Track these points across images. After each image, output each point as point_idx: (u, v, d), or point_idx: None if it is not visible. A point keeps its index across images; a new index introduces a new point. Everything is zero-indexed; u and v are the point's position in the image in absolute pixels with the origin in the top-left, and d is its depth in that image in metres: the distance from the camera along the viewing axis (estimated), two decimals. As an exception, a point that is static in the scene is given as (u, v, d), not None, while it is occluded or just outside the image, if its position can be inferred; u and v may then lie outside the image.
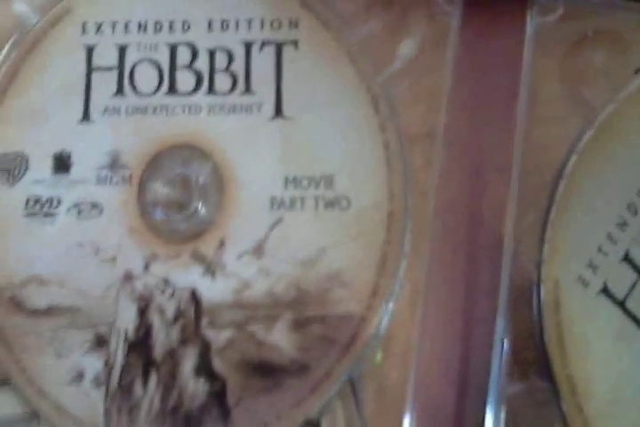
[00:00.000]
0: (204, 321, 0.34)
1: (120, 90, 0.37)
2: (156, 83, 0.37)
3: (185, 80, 0.37)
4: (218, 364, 0.34)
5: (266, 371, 0.33)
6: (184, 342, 0.34)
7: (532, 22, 0.36)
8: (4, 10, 0.39)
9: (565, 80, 0.36)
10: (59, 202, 0.36)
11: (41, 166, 0.36)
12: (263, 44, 0.37)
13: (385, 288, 0.33)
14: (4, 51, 0.38)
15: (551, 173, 0.34)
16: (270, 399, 0.33)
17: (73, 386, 0.34)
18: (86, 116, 0.37)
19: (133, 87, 0.37)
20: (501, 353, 0.32)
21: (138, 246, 0.35)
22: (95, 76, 0.37)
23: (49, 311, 0.35)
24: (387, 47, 0.37)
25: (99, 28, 0.38)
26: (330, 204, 0.35)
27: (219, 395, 0.33)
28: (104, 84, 0.37)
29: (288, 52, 0.37)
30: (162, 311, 0.34)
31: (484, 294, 0.34)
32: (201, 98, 0.36)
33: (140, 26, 0.38)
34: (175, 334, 0.34)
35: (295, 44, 0.37)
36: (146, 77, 0.37)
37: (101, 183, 0.36)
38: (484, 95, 0.36)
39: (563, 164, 0.34)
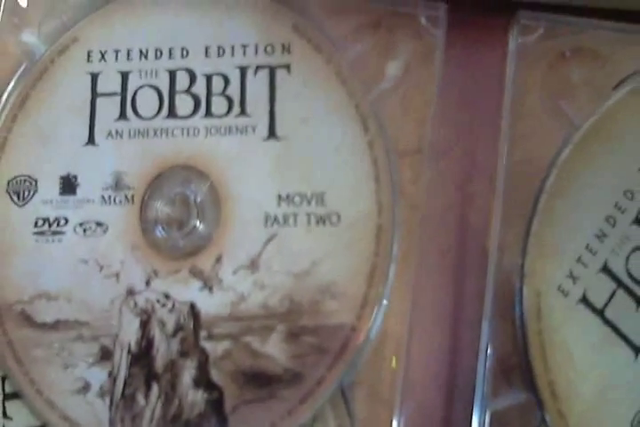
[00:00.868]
0: (203, 334, 0.35)
1: (123, 114, 0.38)
2: (156, 107, 0.38)
3: (184, 104, 0.38)
4: (215, 374, 0.35)
5: (261, 380, 0.34)
6: (184, 353, 0.35)
7: (513, 42, 0.37)
8: (13, 40, 0.40)
9: (546, 96, 0.36)
10: (66, 221, 0.37)
11: (49, 188, 0.38)
12: (257, 69, 0.38)
13: (374, 298, 0.34)
14: (14, 79, 0.39)
15: (534, 187, 0.35)
16: (265, 408, 0.34)
17: (79, 397, 0.35)
18: (91, 139, 0.38)
19: (135, 111, 0.38)
20: (486, 358, 0.33)
21: (140, 263, 0.36)
22: (100, 102, 0.39)
23: (56, 325, 0.36)
24: (375, 67, 0.38)
25: (103, 55, 0.39)
26: (321, 219, 0.36)
27: (216, 404, 0.34)
28: (108, 109, 0.39)
29: (281, 76, 0.38)
30: (163, 324, 0.35)
31: (470, 300, 0.35)
32: (199, 120, 0.38)
33: (141, 53, 0.39)
34: (175, 346, 0.35)
35: (288, 67, 0.38)
36: (147, 102, 0.38)
37: (106, 203, 0.37)
38: (469, 111, 0.37)
39: (544, 177, 0.35)
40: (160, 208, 0.37)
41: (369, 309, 0.34)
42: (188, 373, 0.35)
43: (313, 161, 0.37)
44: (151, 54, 0.39)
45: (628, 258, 0.34)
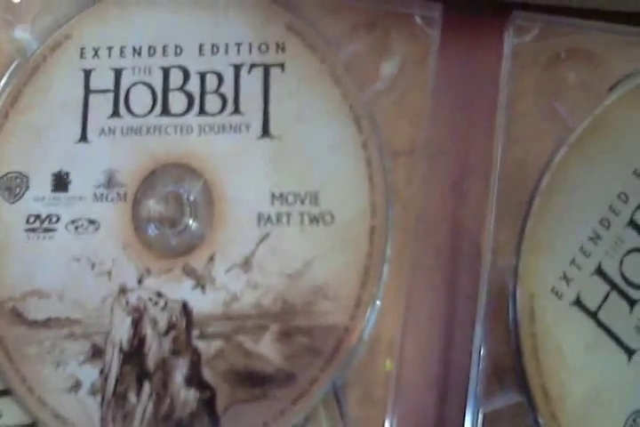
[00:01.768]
0: (195, 332, 0.35)
1: (116, 111, 0.38)
2: (149, 104, 0.38)
3: (177, 101, 0.38)
4: (207, 373, 0.34)
5: (253, 380, 0.34)
6: (175, 352, 0.35)
7: (508, 42, 0.36)
8: (5, 36, 0.39)
9: (541, 97, 0.36)
10: (58, 219, 0.37)
11: (41, 185, 0.37)
12: (251, 67, 0.37)
13: (368, 299, 0.34)
14: (6, 75, 0.39)
15: (528, 188, 0.35)
16: (258, 407, 0.33)
17: (70, 395, 0.35)
18: (84, 136, 0.37)
19: (128, 109, 0.38)
20: (479, 359, 0.33)
21: (132, 261, 0.36)
22: (92, 99, 0.38)
23: (48, 323, 0.35)
24: (370, 67, 0.37)
25: (96, 52, 0.38)
26: (314, 219, 0.35)
27: (208, 403, 0.34)
28: (101, 106, 0.38)
29: (275, 74, 0.37)
30: (155, 323, 0.35)
31: (464, 300, 0.34)
32: (192, 118, 0.37)
33: (134, 50, 0.38)
34: (167, 344, 0.35)
35: (282, 66, 0.37)
36: (140, 99, 0.38)
37: (98, 201, 0.37)
38: (463, 111, 0.37)
39: (538, 178, 0.34)
40: (153, 206, 0.37)
41: (362, 309, 0.34)
42: (179, 371, 0.34)
43: (307, 160, 0.36)
44: (144, 51, 0.38)
45: (621, 260, 0.34)
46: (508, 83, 0.36)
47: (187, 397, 0.34)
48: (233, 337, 0.34)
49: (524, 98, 0.36)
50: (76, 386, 0.35)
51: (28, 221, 0.37)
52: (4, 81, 0.39)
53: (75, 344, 0.35)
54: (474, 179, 0.36)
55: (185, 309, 0.35)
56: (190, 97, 0.38)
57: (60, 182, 0.37)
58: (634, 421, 0.32)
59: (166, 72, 0.38)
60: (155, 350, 0.35)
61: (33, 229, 0.37)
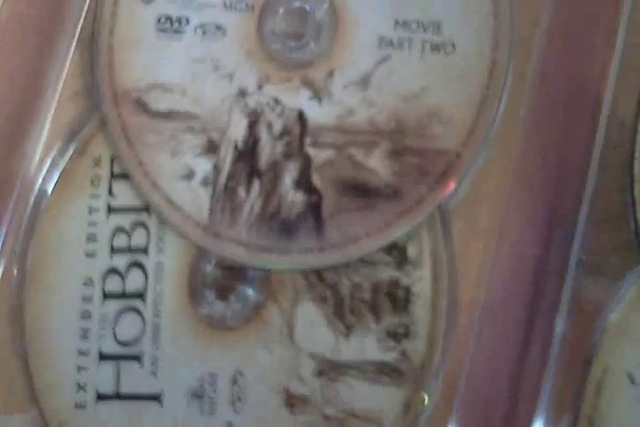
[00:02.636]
0: (308, 140, 0.36)
1: None
2: None
3: None
4: (317, 179, 0.35)
5: (360, 191, 0.35)
6: (287, 156, 0.36)
7: None
8: None
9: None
10: (187, 21, 0.37)
11: (174, -12, 0.38)
12: None
13: (481, 129, 0.35)
14: None
15: None
16: (362, 217, 0.35)
17: (184, 183, 0.36)
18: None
19: None
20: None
21: (253, 67, 0.37)
22: None
23: (169, 115, 0.37)
24: None
25: None
26: (435, 47, 0.36)
27: (315, 207, 0.35)
28: None
29: None
30: (270, 126, 0.36)
31: (578, 151, 0.35)
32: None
33: None
34: (280, 148, 0.36)
35: None
36: None
37: (227, 9, 0.37)
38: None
39: None
40: (279, 20, 0.37)
41: (475, 137, 0.35)
42: (289, 174, 0.36)
43: (434, -9, 0.36)
44: None
45: None
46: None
47: (294, 198, 0.36)
48: (344, 148, 0.36)
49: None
50: (190, 175, 0.36)
51: (159, 21, 0.38)
52: None
53: (192, 137, 0.36)
54: (600, 29, 0.36)
55: (300, 117, 0.36)
56: None
57: (193, -13, 0.38)
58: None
59: None
60: (268, 151, 0.36)
61: (163, 29, 0.38)
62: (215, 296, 0.36)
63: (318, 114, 0.36)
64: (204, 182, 0.36)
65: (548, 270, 0.34)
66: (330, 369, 0.35)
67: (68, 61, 0.39)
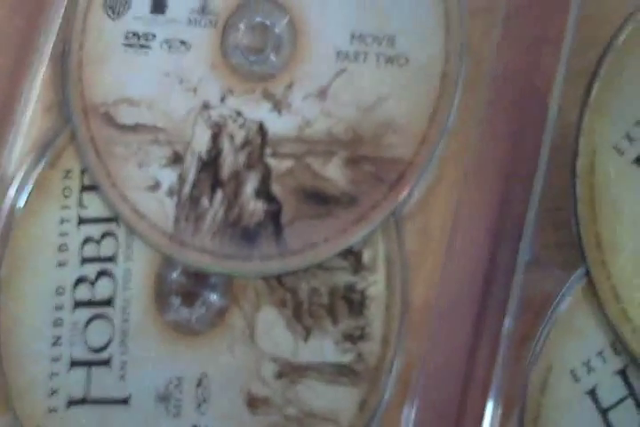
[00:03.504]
0: (268, 151, 0.37)
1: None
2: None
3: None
4: (276, 188, 0.36)
5: (318, 199, 0.36)
6: (249, 166, 0.37)
7: None
8: None
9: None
10: (153, 37, 0.38)
11: (141, 6, 0.39)
12: None
13: (433, 138, 0.36)
14: None
15: (602, 46, 0.35)
16: (320, 224, 0.36)
17: (150, 194, 0.37)
18: (183, -37, 0.39)
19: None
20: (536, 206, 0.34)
21: (217, 81, 0.38)
22: None
23: (136, 128, 0.38)
24: None
25: None
26: (389, 60, 0.37)
27: (274, 215, 0.36)
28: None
29: None
30: (232, 138, 0.37)
31: (527, 154, 0.36)
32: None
33: None
34: (241, 158, 0.37)
35: None
36: None
37: (191, 25, 0.38)
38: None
39: (614, 36, 0.34)
40: (241, 35, 0.38)
41: (427, 146, 0.36)
42: (250, 184, 0.37)
43: (388, 5, 0.37)
44: None
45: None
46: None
47: (255, 207, 0.36)
48: (303, 158, 0.36)
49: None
50: (156, 186, 0.37)
51: (126, 37, 0.39)
52: None
53: (158, 149, 0.37)
54: (548, 42, 0.37)
55: (261, 128, 0.37)
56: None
57: (159, 5, 0.39)
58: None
59: None
60: (230, 162, 0.37)
61: (131, 44, 0.38)
62: (180, 302, 0.37)
63: (278, 125, 0.37)
64: (170, 192, 0.37)
65: (498, 270, 0.34)
66: (290, 371, 0.36)
67: (41, 76, 0.40)
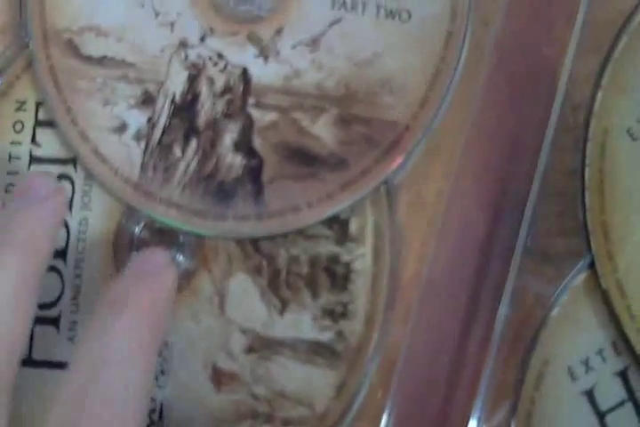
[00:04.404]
0: (251, 100, 0.33)
1: None
2: None
3: None
4: (258, 142, 0.33)
5: (303, 158, 0.33)
6: (228, 115, 0.33)
7: None
8: None
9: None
10: (128, -40, 0.34)
11: None
12: None
13: (434, 102, 0.33)
14: None
15: (621, 20, 0.33)
16: (304, 186, 0.32)
17: (115, 136, 0.33)
18: None
19: None
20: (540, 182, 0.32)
21: (197, 17, 0.34)
22: None
23: (103, 61, 0.33)
24: None
25: None
26: (390, 13, 0.34)
27: (254, 171, 0.33)
28: None
29: None
30: (211, 82, 0.33)
31: (533, 129, 0.33)
32: None
33: None
34: (221, 106, 0.33)
35: None
36: None
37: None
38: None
39: (630, 14, 0.32)
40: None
41: (427, 110, 0.33)
42: (229, 135, 0.33)
43: (394, -48, 0.34)
44: None
45: None
46: None
47: (233, 161, 0.33)
48: (289, 112, 0.33)
49: None
50: (122, 128, 0.33)
51: (98, -44, 0.34)
52: None
53: (126, 87, 0.33)
54: (560, 7, 0.34)
55: (244, 75, 0.33)
56: None
57: None
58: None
59: None
60: (207, 108, 0.33)
61: (102, -34, 0.34)
62: (142, 260, 0.33)
63: (263, 73, 0.33)
64: (137, 136, 0.33)
65: (494, 252, 0.32)
66: (261, 346, 0.32)
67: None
